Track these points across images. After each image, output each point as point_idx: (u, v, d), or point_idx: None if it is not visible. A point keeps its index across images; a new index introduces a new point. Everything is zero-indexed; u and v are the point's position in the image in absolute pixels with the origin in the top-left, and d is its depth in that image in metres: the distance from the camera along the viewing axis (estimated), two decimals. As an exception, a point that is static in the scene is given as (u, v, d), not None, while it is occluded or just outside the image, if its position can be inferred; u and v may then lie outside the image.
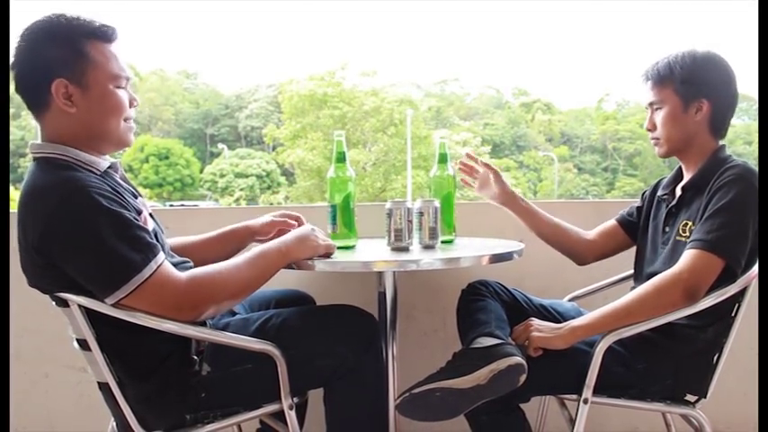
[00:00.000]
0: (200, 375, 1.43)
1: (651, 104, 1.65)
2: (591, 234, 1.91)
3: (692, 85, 1.58)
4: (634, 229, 1.83)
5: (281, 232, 1.71)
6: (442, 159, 1.85)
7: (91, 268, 1.29)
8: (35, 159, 1.38)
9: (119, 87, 1.41)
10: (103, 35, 1.39)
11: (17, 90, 1.39)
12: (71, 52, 1.35)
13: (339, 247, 1.64)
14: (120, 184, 1.43)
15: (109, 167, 1.41)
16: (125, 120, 1.43)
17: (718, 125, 1.61)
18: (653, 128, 1.66)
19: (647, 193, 1.82)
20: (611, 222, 1.89)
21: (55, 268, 1.30)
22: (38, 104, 1.38)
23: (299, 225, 1.75)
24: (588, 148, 42.13)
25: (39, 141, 1.39)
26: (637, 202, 1.86)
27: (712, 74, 1.59)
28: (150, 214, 1.50)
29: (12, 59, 1.36)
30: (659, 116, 1.63)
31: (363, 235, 2.10)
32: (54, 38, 1.35)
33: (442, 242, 1.78)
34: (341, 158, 1.76)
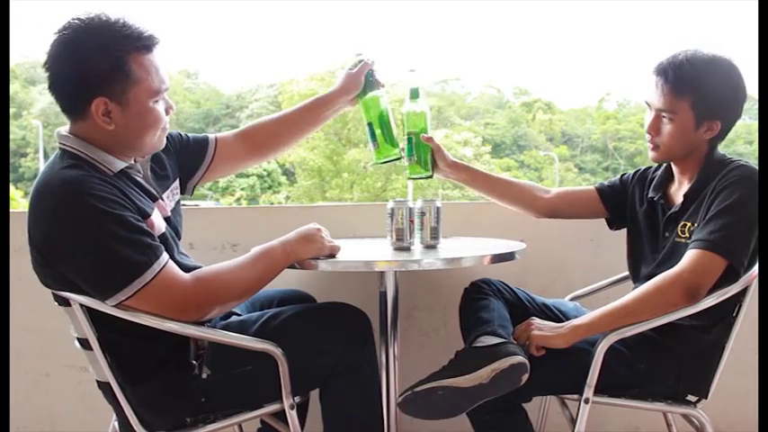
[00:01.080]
0: (200, 379, 1.43)
1: (660, 110, 1.57)
2: (550, 193, 1.90)
3: (711, 105, 1.52)
4: (614, 203, 1.81)
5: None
6: (414, 95, 1.81)
7: (90, 271, 1.29)
8: (58, 148, 1.37)
9: (157, 101, 1.38)
10: (146, 47, 1.34)
11: (52, 90, 1.34)
12: (114, 70, 1.30)
13: (383, 162, 1.73)
14: (138, 184, 1.42)
15: (127, 167, 1.40)
16: (162, 129, 1.43)
17: (721, 140, 1.60)
18: (656, 133, 1.59)
19: (631, 180, 1.79)
20: (588, 188, 1.87)
21: (52, 269, 1.31)
22: (74, 113, 1.36)
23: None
24: (589, 148, 42.06)
25: (65, 132, 1.38)
26: (616, 180, 1.84)
27: (731, 94, 1.54)
28: (166, 218, 1.48)
29: (49, 56, 1.31)
30: (667, 127, 1.56)
31: (365, 234, 2.10)
32: (97, 49, 1.29)
33: (416, 177, 1.80)
34: (371, 86, 1.78)
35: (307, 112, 1.78)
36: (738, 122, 1.61)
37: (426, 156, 1.79)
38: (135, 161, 1.44)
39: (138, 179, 1.43)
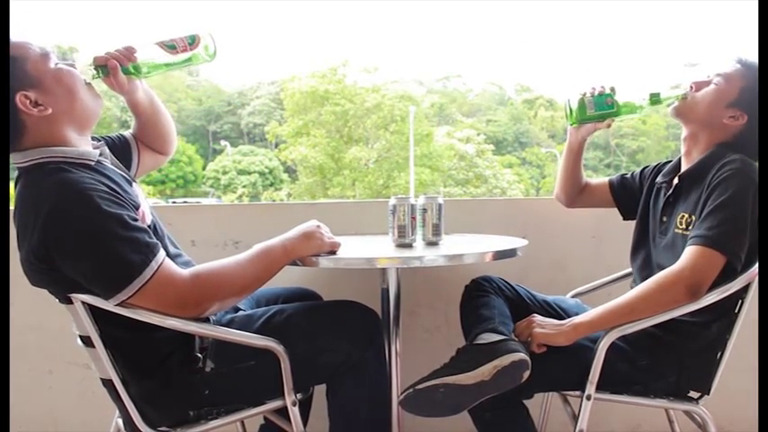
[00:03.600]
0: (204, 372, 1.43)
1: (717, 75, 1.63)
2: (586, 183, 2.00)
3: (752, 101, 1.57)
4: (623, 196, 1.91)
5: None
6: (654, 100, 1.74)
7: (92, 272, 1.29)
8: (22, 170, 1.35)
9: (57, 63, 1.37)
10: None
11: None
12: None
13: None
14: (114, 171, 1.42)
15: (100, 154, 1.40)
16: (86, 85, 1.42)
17: (736, 142, 1.60)
18: (696, 89, 1.65)
19: (648, 173, 1.85)
20: (603, 181, 1.97)
21: (57, 272, 1.30)
22: (14, 135, 1.33)
23: None
24: (591, 145, 41.72)
25: (21, 153, 1.35)
26: (636, 171, 1.90)
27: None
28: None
29: None
30: (708, 89, 1.63)
31: (367, 231, 2.10)
32: None
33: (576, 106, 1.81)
34: (133, 69, 1.54)
35: (138, 118, 1.65)
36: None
37: (591, 119, 1.83)
38: (101, 154, 1.43)
39: (110, 165, 1.43)
